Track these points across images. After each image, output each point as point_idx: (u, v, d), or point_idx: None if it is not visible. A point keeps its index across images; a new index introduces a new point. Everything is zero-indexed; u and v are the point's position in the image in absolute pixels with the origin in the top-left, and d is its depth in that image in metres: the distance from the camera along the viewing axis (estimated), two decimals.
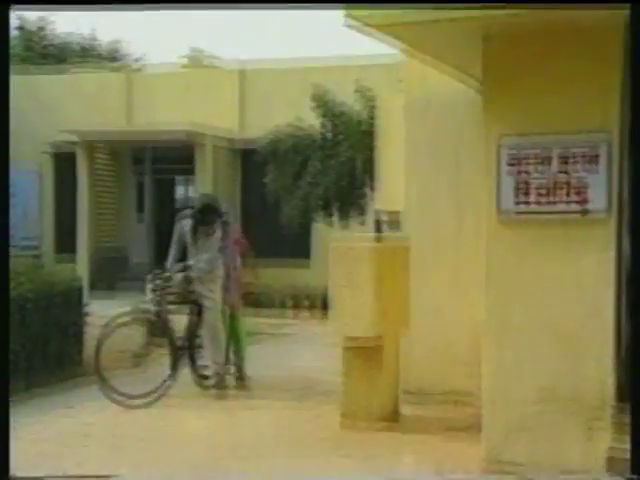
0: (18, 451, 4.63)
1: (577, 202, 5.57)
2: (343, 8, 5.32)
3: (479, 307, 6.05)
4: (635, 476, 4.41)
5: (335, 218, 15.87)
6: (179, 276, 8.53)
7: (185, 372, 8.45)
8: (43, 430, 7.09)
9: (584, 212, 5.58)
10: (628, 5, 4.65)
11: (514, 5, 4.96)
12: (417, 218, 8.18)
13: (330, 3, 5.50)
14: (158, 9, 5.24)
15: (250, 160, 18.04)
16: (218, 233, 8.55)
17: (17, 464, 4.45)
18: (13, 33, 29.56)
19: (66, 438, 6.85)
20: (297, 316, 15.40)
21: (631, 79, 4.76)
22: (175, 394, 8.07)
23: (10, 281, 7.88)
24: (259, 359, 9.46)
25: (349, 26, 5.41)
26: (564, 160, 5.61)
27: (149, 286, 8.44)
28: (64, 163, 20.14)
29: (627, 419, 4.68)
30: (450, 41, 6.06)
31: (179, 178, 20.99)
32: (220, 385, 8.49)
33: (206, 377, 8.64)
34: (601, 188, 5.53)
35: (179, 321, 8.61)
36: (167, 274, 8.46)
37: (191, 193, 20.65)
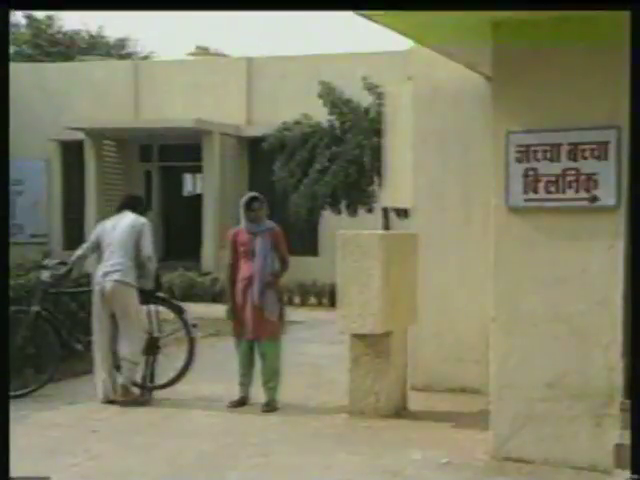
0: None
1: (586, 193, 5.54)
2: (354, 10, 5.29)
3: (488, 302, 6.01)
4: (636, 476, 4.37)
5: (343, 211, 15.79)
6: None
7: None
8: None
9: (593, 199, 5.55)
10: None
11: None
12: (425, 209, 8.13)
13: (343, 7, 5.42)
14: (156, 9, 5.22)
15: (258, 151, 17.98)
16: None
17: None
18: (20, 29, 29.54)
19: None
20: (305, 305, 15.35)
21: (631, 79, 4.72)
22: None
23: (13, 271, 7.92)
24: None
25: (357, 14, 5.36)
26: (573, 153, 5.57)
27: None
28: (72, 151, 20.11)
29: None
30: (459, 34, 6.01)
31: (187, 167, 20.92)
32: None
33: None
34: (610, 180, 5.49)
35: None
36: None
37: (199, 183, 20.63)
